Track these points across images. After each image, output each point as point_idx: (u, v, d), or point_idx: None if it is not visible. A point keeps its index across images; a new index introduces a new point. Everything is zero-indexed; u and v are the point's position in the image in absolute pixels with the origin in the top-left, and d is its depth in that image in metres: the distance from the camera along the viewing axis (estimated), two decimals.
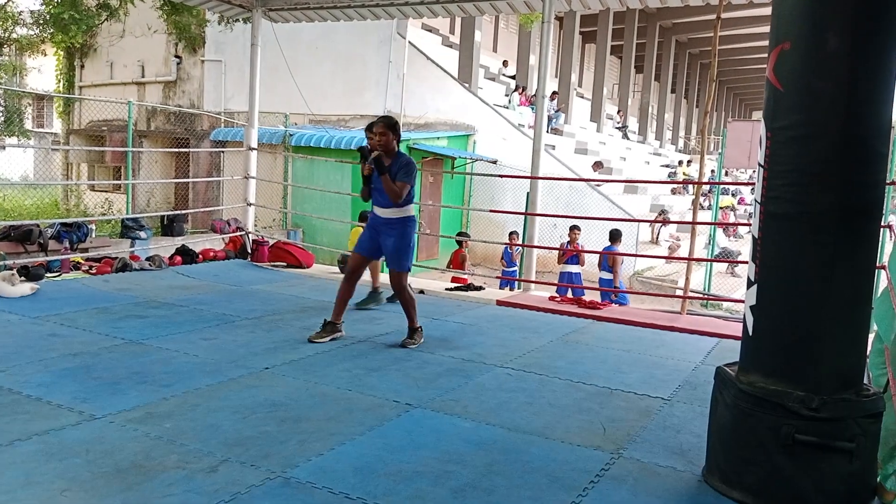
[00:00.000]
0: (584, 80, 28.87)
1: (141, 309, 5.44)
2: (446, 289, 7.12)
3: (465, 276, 9.19)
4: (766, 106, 2.71)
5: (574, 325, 5.74)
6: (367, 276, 6.55)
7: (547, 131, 16.59)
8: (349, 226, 10.85)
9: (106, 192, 17.16)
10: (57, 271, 6.84)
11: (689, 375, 4.39)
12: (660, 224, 15.63)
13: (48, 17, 15.16)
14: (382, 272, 6.02)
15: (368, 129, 5.69)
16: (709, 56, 7.28)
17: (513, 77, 21.61)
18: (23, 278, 5.78)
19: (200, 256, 7.94)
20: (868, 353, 3.21)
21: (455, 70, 17.54)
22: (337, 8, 7.88)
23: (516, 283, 8.52)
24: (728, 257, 13.92)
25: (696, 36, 28.93)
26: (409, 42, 15.86)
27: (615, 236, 9.86)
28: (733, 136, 11.08)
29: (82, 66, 18.80)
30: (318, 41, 15.11)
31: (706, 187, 16.97)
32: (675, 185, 20.51)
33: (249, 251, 8.16)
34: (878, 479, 2.70)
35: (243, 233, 8.34)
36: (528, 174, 7.13)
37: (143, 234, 9.19)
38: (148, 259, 7.45)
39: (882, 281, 4.54)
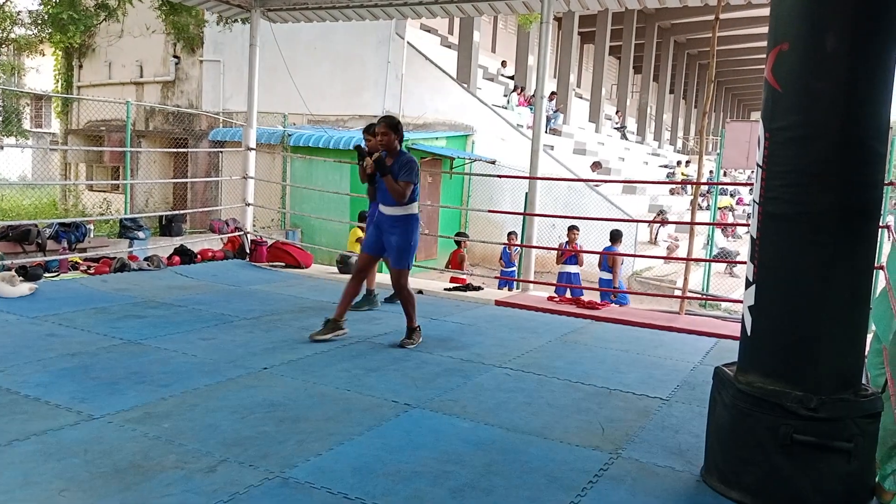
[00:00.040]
0: (583, 80, 28.89)
1: (139, 309, 5.44)
2: (445, 289, 7.12)
3: (464, 277, 9.19)
4: (765, 106, 2.71)
5: (573, 326, 5.74)
6: None
7: (545, 131, 16.60)
8: (348, 226, 10.86)
9: (104, 192, 17.14)
10: (55, 271, 6.83)
11: (687, 375, 4.40)
12: (658, 224, 15.64)
13: (46, 17, 15.14)
14: (381, 272, 6.02)
15: (367, 130, 5.71)
16: (707, 56, 7.29)
17: (511, 77, 21.61)
18: (21, 278, 5.78)
19: (199, 256, 7.94)
20: (866, 353, 3.22)
21: (454, 70, 17.54)
22: (335, 8, 7.88)
23: (515, 283, 8.52)
24: (726, 257, 13.94)
25: (695, 36, 28.95)
26: (408, 42, 15.86)
27: (616, 237, 9.86)
28: (732, 137, 11.09)
29: (80, 66, 18.78)
30: (317, 41, 15.10)
31: (705, 188, 16.98)
32: (673, 186, 20.53)
33: (248, 251, 8.16)
34: (877, 479, 2.70)
35: (242, 233, 8.34)
36: (527, 174, 7.13)
37: (141, 235, 9.18)
38: (146, 259, 7.45)
39: (880, 281, 4.54)
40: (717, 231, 15.46)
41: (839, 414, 2.54)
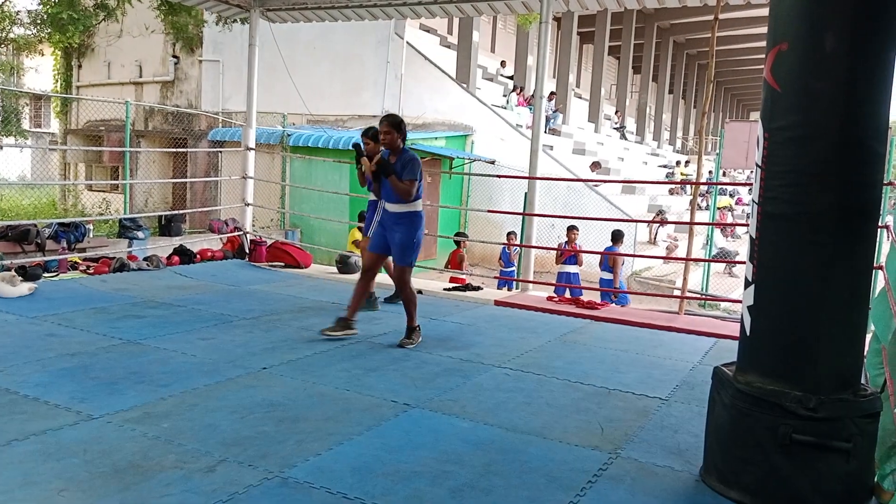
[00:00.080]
0: (582, 80, 28.90)
1: (139, 309, 5.44)
2: (444, 289, 7.12)
3: (464, 277, 9.19)
4: (764, 106, 2.71)
5: (572, 326, 5.75)
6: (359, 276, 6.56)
7: (545, 131, 16.63)
8: (347, 226, 10.86)
9: (103, 192, 17.12)
10: (54, 271, 6.83)
11: (686, 375, 4.40)
12: (657, 224, 15.64)
13: (45, 16, 15.13)
14: (380, 272, 6.02)
15: (365, 133, 5.72)
16: (706, 57, 7.30)
17: (511, 77, 21.61)
18: (20, 278, 5.77)
19: (198, 256, 7.93)
20: (865, 353, 3.22)
21: (453, 70, 17.54)
22: (335, 8, 7.88)
23: (514, 283, 8.52)
24: (726, 257, 13.94)
25: (694, 37, 28.97)
26: (407, 42, 15.86)
27: (617, 237, 9.86)
28: (731, 137, 11.08)
29: (80, 66, 18.76)
30: (316, 41, 15.09)
31: (704, 188, 16.98)
32: (672, 186, 20.54)
33: (247, 251, 8.16)
34: (876, 479, 2.70)
35: (241, 233, 8.34)
36: (526, 174, 7.13)
37: (140, 234, 9.18)
38: (146, 259, 7.45)
39: (879, 281, 4.55)
40: (717, 231, 15.47)
41: (838, 414, 2.54)
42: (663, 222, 15.24)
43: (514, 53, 22.15)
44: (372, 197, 5.87)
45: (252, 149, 8.44)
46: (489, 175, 11.75)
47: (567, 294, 8.54)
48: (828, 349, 2.59)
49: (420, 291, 6.75)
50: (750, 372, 2.73)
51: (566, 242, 9.71)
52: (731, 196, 21.10)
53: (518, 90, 19.64)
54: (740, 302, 2.92)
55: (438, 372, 4.18)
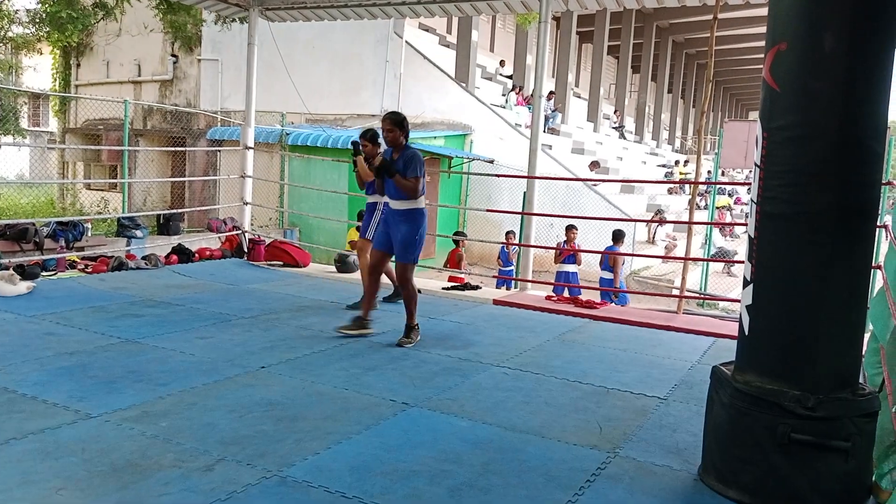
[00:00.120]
0: (581, 80, 28.90)
1: (137, 308, 5.44)
2: (443, 288, 7.12)
3: (462, 276, 9.19)
4: (763, 106, 2.71)
5: (571, 325, 5.75)
6: (358, 275, 6.56)
7: (544, 131, 16.63)
8: (346, 225, 10.86)
9: (102, 190, 17.11)
10: (53, 270, 6.82)
11: (685, 375, 4.40)
12: (656, 224, 15.65)
13: (44, 15, 15.12)
14: None
15: (363, 135, 5.73)
16: (705, 56, 7.32)
17: (510, 77, 21.61)
18: (19, 277, 5.77)
19: (197, 255, 7.93)
20: (863, 352, 3.22)
21: (452, 70, 17.54)
22: (334, 7, 7.88)
23: (513, 282, 8.52)
24: (724, 257, 13.95)
25: (693, 36, 28.97)
26: (406, 42, 15.85)
27: (618, 237, 9.84)
28: (730, 137, 11.08)
29: (78, 65, 18.75)
30: (315, 40, 15.09)
31: (703, 187, 16.99)
32: (671, 185, 20.54)
33: (246, 250, 8.15)
34: (874, 478, 2.70)
35: (240, 232, 8.33)
36: (525, 174, 7.13)
37: (139, 233, 9.17)
38: (144, 258, 7.45)
39: (877, 281, 4.55)
40: (715, 230, 15.47)
41: (837, 413, 2.54)
42: (662, 222, 15.24)
43: (513, 53, 22.15)
44: (370, 199, 5.88)
45: (251, 148, 8.43)
46: (488, 174, 11.74)
47: (566, 293, 8.54)
48: (826, 349, 2.59)
49: (419, 290, 6.75)
50: (748, 371, 2.73)
51: (565, 242, 9.71)
52: (729, 195, 21.12)
53: (517, 89, 19.64)
54: (739, 301, 2.92)
55: (437, 371, 4.18)
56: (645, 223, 15.54)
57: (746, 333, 2.77)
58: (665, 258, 13.81)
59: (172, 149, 14.96)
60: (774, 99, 2.64)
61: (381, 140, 5.84)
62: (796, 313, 2.61)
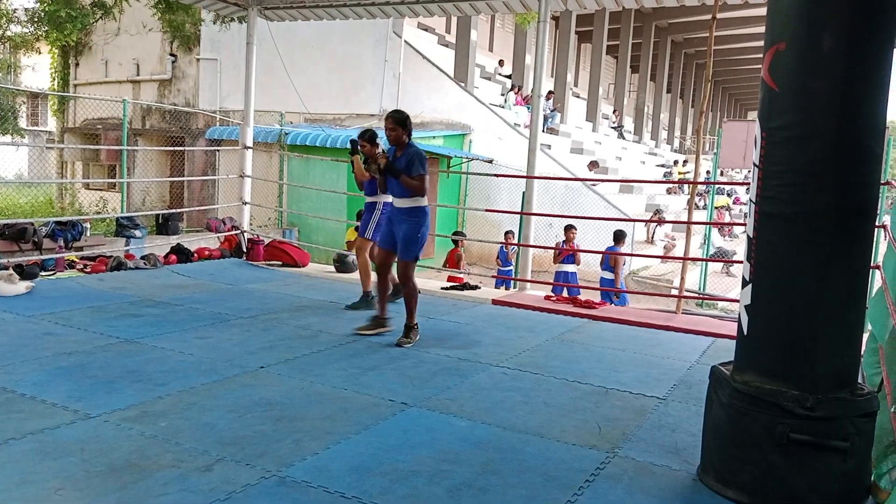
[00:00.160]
0: (580, 79, 28.89)
1: (136, 308, 5.43)
2: (442, 288, 7.12)
3: (461, 276, 9.18)
4: (762, 106, 2.71)
5: (570, 325, 5.75)
6: (357, 275, 6.56)
7: (543, 131, 16.63)
8: (345, 225, 10.85)
9: (101, 190, 17.10)
10: (51, 270, 6.82)
11: (684, 375, 4.40)
12: (655, 224, 15.65)
13: (43, 14, 15.10)
14: (374, 271, 6.02)
15: (361, 136, 5.74)
16: (704, 56, 7.32)
17: (509, 76, 21.61)
18: (18, 277, 5.77)
19: (195, 255, 7.92)
20: (862, 352, 3.22)
21: (451, 69, 17.53)
22: (333, 7, 7.87)
23: (512, 282, 8.52)
24: (723, 257, 13.96)
25: (692, 36, 28.97)
26: (405, 41, 15.85)
27: (619, 237, 9.82)
28: (729, 136, 11.09)
29: (77, 64, 18.74)
30: (314, 40, 15.08)
31: (702, 187, 16.99)
32: (670, 185, 20.55)
33: (245, 250, 8.15)
34: (872, 478, 2.70)
35: (239, 232, 8.33)
36: (524, 173, 7.13)
37: (138, 233, 9.16)
38: (143, 258, 7.44)
39: (876, 281, 4.56)
40: (714, 230, 15.47)
41: (835, 413, 2.54)
42: (661, 221, 15.24)
43: (513, 52, 22.14)
44: (369, 199, 5.88)
45: (250, 147, 8.43)
46: (487, 174, 11.74)
47: (565, 293, 8.54)
48: (825, 348, 2.60)
49: (419, 291, 6.75)
50: (747, 371, 2.73)
51: (564, 242, 9.71)
52: (728, 195, 21.12)
53: (516, 89, 19.63)
54: (738, 301, 2.92)
55: (436, 371, 4.18)
56: (644, 223, 15.55)
57: (745, 333, 2.77)
58: (664, 258, 13.81)
59: (171, 148, 14.96)
60: (773, 99, 2.65)
61: (379, 140, 5.85)
62: (795, 313, 2.62)
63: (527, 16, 15.41)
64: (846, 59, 2.48)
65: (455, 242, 10.26)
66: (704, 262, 12.84)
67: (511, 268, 10.47)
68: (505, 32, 25.83)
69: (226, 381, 3.77)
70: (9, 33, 15.87)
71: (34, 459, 2.69)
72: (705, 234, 13.69)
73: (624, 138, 25.99)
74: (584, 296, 7.72)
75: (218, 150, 14.18)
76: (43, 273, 6.57)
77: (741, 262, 2.94)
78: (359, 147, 5.76)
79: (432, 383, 3.94)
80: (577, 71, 28.44)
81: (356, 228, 7.65)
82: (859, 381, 2.76)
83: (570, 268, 9.70)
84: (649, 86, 29.10)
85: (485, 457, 2.96)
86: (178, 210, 12.06)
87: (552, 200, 12.86)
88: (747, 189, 3.03)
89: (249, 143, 8.42)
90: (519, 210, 8.83)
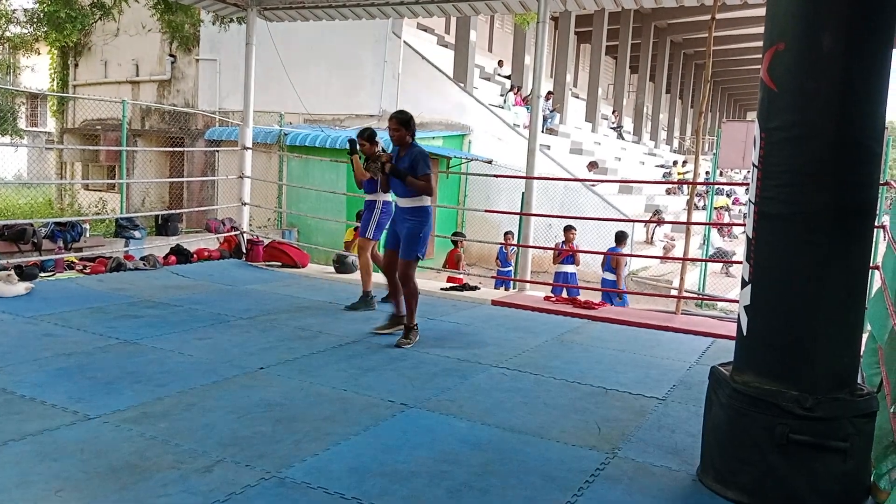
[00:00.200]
0: (580, 80, 28.90)
1: (135, 309, 5.43)
2: (441, 288, 7.12)
3: (461, 276, 9.19)
4: (761, 106, 2.71)
5: (569, 325, 5.75)
6: (356, 276, 6.56)
7: (542, 131, 16.64)
8: (344, 225, 10.85)
9: (100, 191, 17.11)
10: (51, 271, 6.81)
11: (683, 375, 4.40)
12: (654, 224, 15.66)
13: (42, 15, 15.11)
14: (376, 272, 6.02)
15: (360, 134, 5.75)
16: (703, 57, 7.33)
17: (508, 77, 21.61)
18: (17, 278, 5.76)
19: (195, 256, 7.92)
20: (861, 352, 3.22)
21: (450, 70, 17.54)
22: (332, 7, 7.87)
23: (511, 282, 8.52)
24: (723, 257, 13.96)
25: (691, 36, 28.98)
26: (405, 42, 15.85)
27: (621, 238, 9.80)
28: (728, 137, 11.09)
29: (76, 65, 18.74)
30: (314, 41, 15.08)
31: (701, 187, 16.99)
32: (669, 186, 20.55)
33: (244, 251, 8.15)
34: (872, 478, 2.71)
35: (238, 232, 8.33)
36: (524, 174, 7.13)
37: (137, 234, 9.17)
38: (142, 259, 7.44)
39: (875, 281, 4.56)
40: (714, 231, 15.48)
41: (835, 413, 2.55)
42: (660, 222, 15.25)
43: (512, 53, 22.14)
44: (368, 197, 5.87)
45: (249, 148, 8.42)
46: (486, 175, 11.74)
47: (564, 294, 8.54)
48: (824, 349, 2.60)
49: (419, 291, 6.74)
50: (747, 372, 2.73)
51: (563, 242, 9.71)
52: (728, 196, 21.13)
53: (515, 90, 19.64)
54: (737, 302, 2.93)
55: (436, 372, 4.18)
56: (643, 223, 15.55)
57: (745, 334, 2.78)
58: (663, 258, 13.81)
59: (171, 149, 14.96)
60: (772, 99, 2.65)
61: (378, 139, 5.86)
62: (794, 314, 2.62)
63: (526, 16, 15.42)
64: (845, 60, 2.48)
65: (454, 243, 10.26)
66: (704, 263, 12.84)
67: (510, 268, 10.46)
68: (504, 33, 25.84)
69: (225, 382, 3.77)
70: (8, 34, 15.88)
71: (34, 460, 2.69)
72: (705, 235, 13.70)
73: (623, 139, 26.00)
74: (583, 296, 7.72)
75: (217, 151, 14.18)
76: (42, 274, 6.56)
77: (740, 262, 2.94)
78: (358, 146, 5.76)
79: (432, 384, 3.94)
80: (576, 71, 28.45)
81: (355, 229, 7.65)
82: (859, 381, 2.76)
83: (569, 268, 9.70)
84: (648, 86, 29.11)
85: (484, 457, 2.96)
86: (178, 211, 12.07)
87: (551, 201, 12.87)
88: (746, 189, 3.03)
89: (249, 143, 8.42)
90: (518, 211, 8.84)
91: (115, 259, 7.18)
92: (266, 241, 8.30)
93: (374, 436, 3.13)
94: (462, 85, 16.88)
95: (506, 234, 11.47)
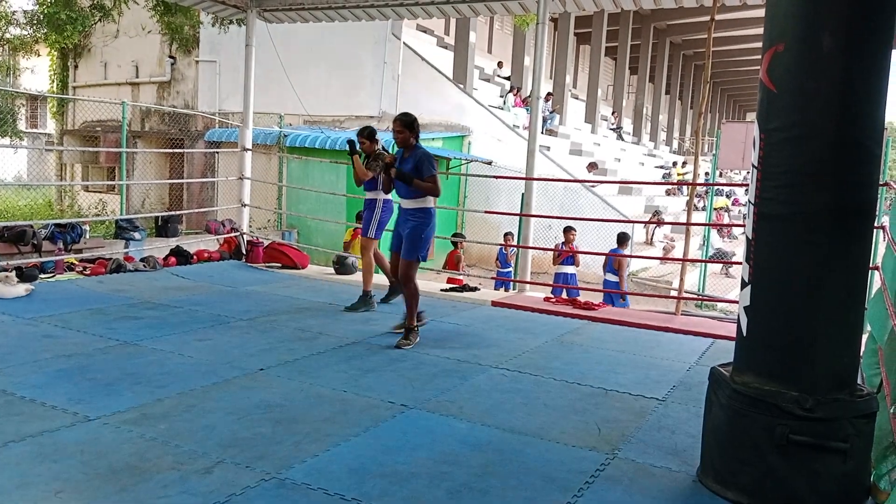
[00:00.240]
0: (579, 81, 28.92)
1: (135, 310, 5.43)
2: (441, 289, 7.12)
3: (461, 277, 9.19)
4: (760, 107, 2.72)
5: (569, 326, 5.75)
6: (357, 276, 6.56)
7: (542, 132, 16.64)
8: (344, 226, 10.85)
9: (100, 192, 17.10)
10: (51, 272, 6.81)
11: (683, 376, 4.40)
12: (654, 225, 15.66)
13: (42, 17, 15.12)
14: (377, 272, 6.02)
15: (360, 133, 5.76)
16: (703, 57, 7.33)
17: (507, 78, 21.62)
18: (17, 279, 5.76)
19: (195, 257, 7.92)
20: (861, 353, 3.22)
21: (450, 71, 17.55)
22: (332, 8, 7.88)
23: (511, 283, 8.52)
24: (722, 258, 13.97)
25: (691, 37, 29.00)
26: (404, 43, 15.86)
27: (623, 239, 9.79)
28: (727, 137, 11.11)
29: (76, 67, 18.75)
30: (313, 42, 15.09)
31: (701, 188, 17.00)
32: (669, 186, 20.55)
33: (244, 252, 8.15)
34: (872, 479, 2.71)
35: (238, 233, 8.33)
36: (523, 175, 7.13)
37: (137, 235, 9.17)
38: (142, 260, 7.44)
39: (875, 281, 4.56)
40: (713, 231, 15.48)
41: (835, 414, 2.55)
42: (660, 223, 15.26)
43: (511, 54, 22.15)
44: (369, 195, 5.88)
45: (249, 149, 8.43)
46: (486, 176, 11.75)
47: (564, 295, 8.54)
48: (824, 349, 2.60)
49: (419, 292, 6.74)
50: (746, 372, 2.73)
51: (563, 243, 9.71)
52: (727, 197, 21.13)
53: (515, 91, 19.65)
54: (737, 302, 2.93)
55: (436, 373, 4.18)
56: (643, 224, 15.56)
57: (744, 334, 2.78)
58: (663, 259, 13.82)
59: (170, 150, 14.97)
60: (772, 100, 2.65)
61: (378, 137, 5.87)
62: (794, 314, 2.62)
63: (525, 17, 15.43)
64: (844, 60, 2.48)
65: (454, 244, 10.27)
66: (703, 264, 12.85)
67: (510, 269, 10.47)
68: (504, 34, 25.85)
69: (225, 383, 3.77)
70: (8, 35, 15.88)
71: (34, 462, 2.69)
72: (704, 236, 13.70)
73: (623, 140, 26.02)
74: (583, 297, 7.72)
75: (217, 152, 14.19)
76: (42, 275, 6.56)
77: (740, 263, 2.94)
78: (358, 145, 5.77)
79: (432, 385, 3.94)
80: (575, 72, 28.47)
81: (354, 229, 7.65)
82: (858, 382, 2.76)
83: (569, 269, 9.70)
84: (648, 87, 29.13)
85: (484, 458, 2.96)
86: (178, 212, 12.07)
87: (551, 202, 12.88)
88: (746, 190, 3.03)
89: (248, 144, 8.42)
90: (518, 212, 8.84)
91: (114, 260, 7.18)
92: (266, 243, 8.30)
93: (374, 437, 3.13)
94: (462, 86, 16.89)
95: (506, 235, 11.48)
